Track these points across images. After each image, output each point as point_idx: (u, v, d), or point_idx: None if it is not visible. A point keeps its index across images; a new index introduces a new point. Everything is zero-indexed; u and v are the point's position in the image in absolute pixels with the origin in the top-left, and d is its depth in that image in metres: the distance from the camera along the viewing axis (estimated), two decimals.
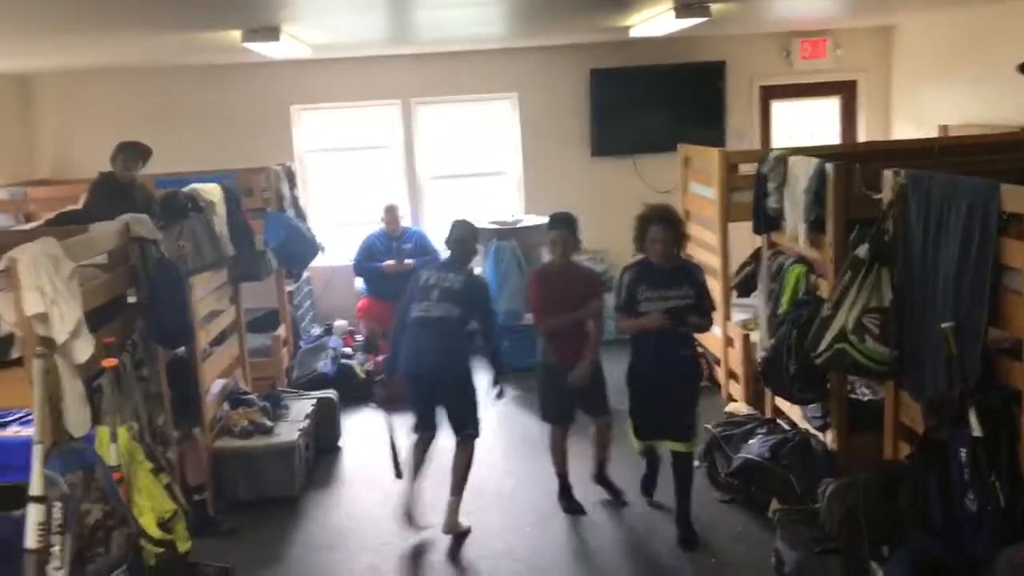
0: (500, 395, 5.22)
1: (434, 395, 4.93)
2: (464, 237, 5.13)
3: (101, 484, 3.22)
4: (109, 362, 3.48)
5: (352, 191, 9.03)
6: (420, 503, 4.98)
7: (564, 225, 5.07)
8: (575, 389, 4.94)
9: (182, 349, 5.01)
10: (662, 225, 4.56)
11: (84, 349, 3.24)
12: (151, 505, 3.51)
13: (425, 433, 5.04)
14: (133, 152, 5.75)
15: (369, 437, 6.51)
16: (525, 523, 5.06)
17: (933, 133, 7.51)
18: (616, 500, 5.18)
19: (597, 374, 5.04)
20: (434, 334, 4.86)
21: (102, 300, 3.70)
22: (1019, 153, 5.78)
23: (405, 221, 8.40)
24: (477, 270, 6.27)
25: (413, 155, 8.88)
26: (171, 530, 3.57)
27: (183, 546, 3.64)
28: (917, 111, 8.34)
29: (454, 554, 4.78)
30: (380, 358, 7.39)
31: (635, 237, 4.70)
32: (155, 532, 3.49)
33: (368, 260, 7.98)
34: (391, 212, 8.09)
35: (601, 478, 5.26)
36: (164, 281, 4.08)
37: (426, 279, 5.02)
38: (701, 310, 4.64)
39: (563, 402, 5.07)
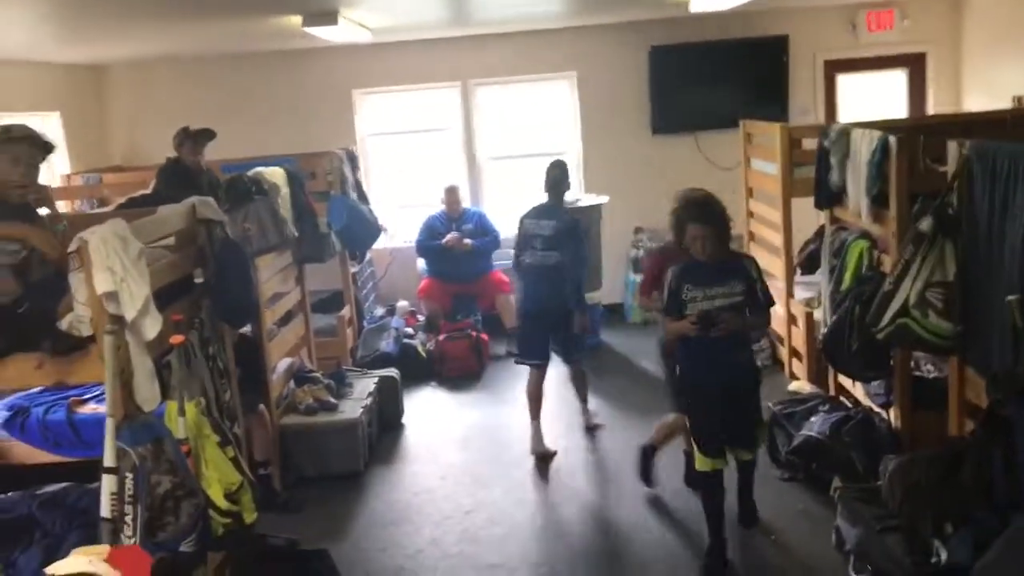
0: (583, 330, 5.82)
1: (545, 329, 5.70)
2: (557, 179, 5.75)
3: (170, 456, 3.34)
4: (176, 339, 3.59)
5: (414, 173, 9.11)
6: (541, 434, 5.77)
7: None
8: None
9: (248, 328, 5.15)
10: (699, 222, 4.14)
11: (152, 326, 3.35)
12: (218, 477, 3.62)
13: (535, 362, 5.76)
14: (201, 137, 5.88)
15: (431, 414, 6.62)
16: (583, 498, 5.11)
17: (1007, 105, 7.28)
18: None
19: None
20: (538, 280, 5.65)
21: (170, 279, 3.82)
22: None
23: (465, 202, 8.45)
24: None
25: (473, 136, 8.92)
26: (237, 501, 3.68)
27: (249, 517, 3.76)
28: (990, 82, 8.08)
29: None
30: (441, 337, 7.49)
31: (674, 234, 4.35)
32: (222, 503, 3.61)
33: (430, 240, 8.07)
34: (452, 193, 8.15)
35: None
36: (230, 261, 4.19)
37: (528, 228, 5.70)
38: (754, 307, 4.23)
39: None
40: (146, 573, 2.97)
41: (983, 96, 8.10)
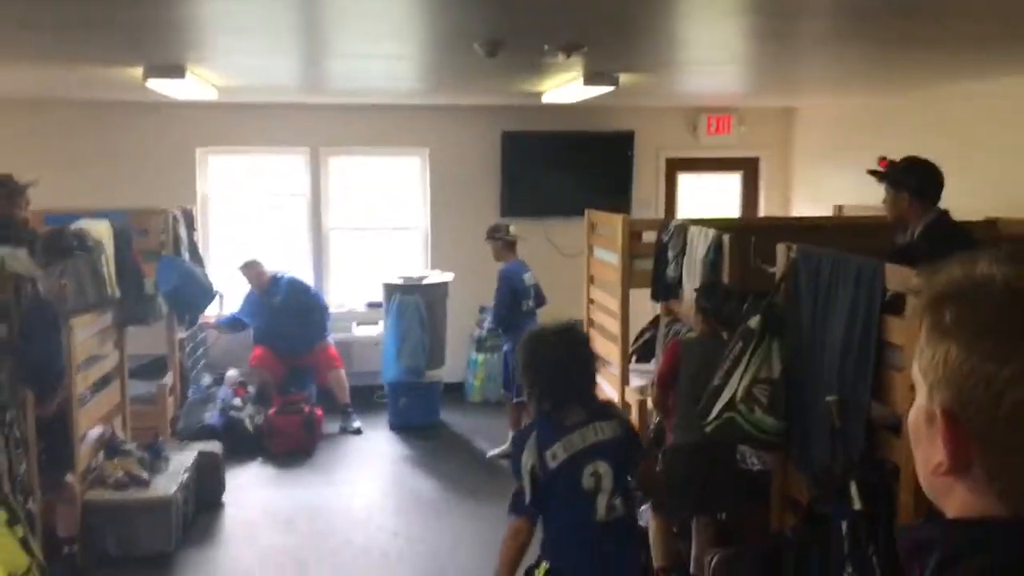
0: None
1: None
2: None
3: None
4: None
5: (257, 238, 8.80)
6: None
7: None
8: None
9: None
10: None
11: None
12: (2, 559, 3.25)
13: None
14: (18, 189, 5.36)
15: (255, 493, 6.28)
16: None
17: (829, 212, 7.76)
18: None
19: None
20: None
21: None
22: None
23: (307, 274, 8.20)
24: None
25: (320, 205, 8.75)
26: None
27: None
28: (815, 190, 8.63)
29: None
30: (272, 411, 7.17)
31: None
32: None
33: (247, 314, 7.76)
34: (248, 269, 7.64)
35: None
36: (38, 321, 3.87)
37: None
38: None
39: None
40: None
41: (809, 202, 8.63)
